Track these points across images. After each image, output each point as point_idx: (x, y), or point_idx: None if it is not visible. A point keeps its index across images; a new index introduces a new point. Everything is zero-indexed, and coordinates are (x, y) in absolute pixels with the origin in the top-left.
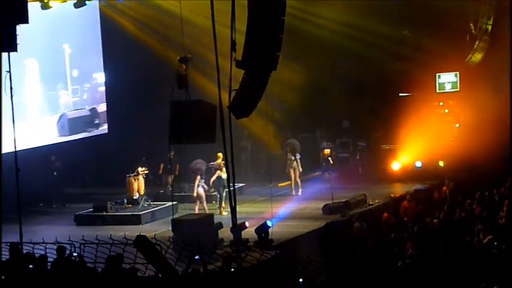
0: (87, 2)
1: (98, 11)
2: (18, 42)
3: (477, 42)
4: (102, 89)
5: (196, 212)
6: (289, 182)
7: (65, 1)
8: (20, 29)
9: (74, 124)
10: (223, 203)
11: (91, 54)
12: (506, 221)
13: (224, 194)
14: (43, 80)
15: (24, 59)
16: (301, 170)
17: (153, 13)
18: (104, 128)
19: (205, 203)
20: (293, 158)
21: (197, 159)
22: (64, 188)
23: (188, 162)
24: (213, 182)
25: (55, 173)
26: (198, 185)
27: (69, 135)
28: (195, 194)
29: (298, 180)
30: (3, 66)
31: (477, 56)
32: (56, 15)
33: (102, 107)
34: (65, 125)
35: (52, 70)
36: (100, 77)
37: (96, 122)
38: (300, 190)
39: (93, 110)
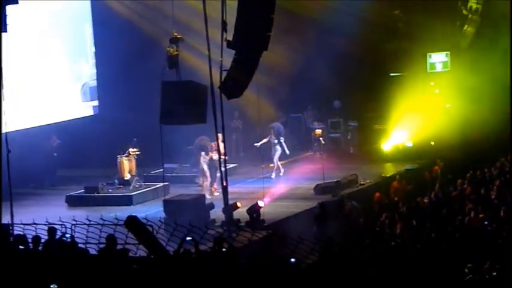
0: None
1: None
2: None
3: (467, 22)
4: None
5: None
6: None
7: None
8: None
9: (93, 91)
10: (215, 183)
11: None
12: (497, 199)
13: (218, 175)
14: (68, 54)
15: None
16: (288, 152)
17: None
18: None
19: (209, 179)
20: (276, 141)
21: (201, 136)
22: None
23: (179, 143)
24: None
25: (55, 154)
26: (203, 161)
27: (91, 100)
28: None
29: (279, 163)
30: None
31: (468, 36)
32: None
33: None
34: (87, 91)
35: (75, 47)
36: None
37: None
38: (282, 171)
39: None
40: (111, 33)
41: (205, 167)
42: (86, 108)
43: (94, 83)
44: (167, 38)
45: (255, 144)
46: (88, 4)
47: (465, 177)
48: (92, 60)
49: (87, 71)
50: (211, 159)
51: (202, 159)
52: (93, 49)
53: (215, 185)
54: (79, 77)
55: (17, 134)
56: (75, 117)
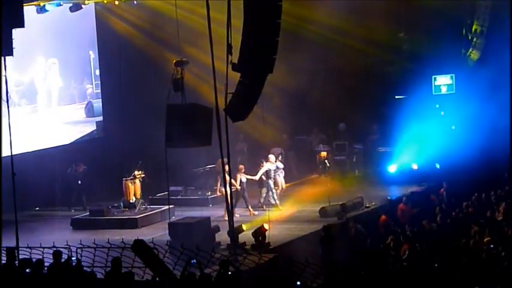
0: (83, 6)
1: (94, 14)
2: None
3: (472, 44)
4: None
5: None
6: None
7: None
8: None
9: (97, 109)
10: (249, 206)
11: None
12: (503, 220)
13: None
14: (73, 76)
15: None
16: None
17: (149, 16)
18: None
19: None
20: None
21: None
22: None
23: (185, 165)
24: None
25: (79, 182)
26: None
27: (94, 116)
28: (219, 193)
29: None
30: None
31: (473, 58)
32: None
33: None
34: (91, 109)
35: (80, 69)
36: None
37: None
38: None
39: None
40: (116, 55)
41: (222, 188)
42: (90, 125)
43: (98, 102)
44: (173, 61)
45: (255, 178)
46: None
47: (471, 199)
48: (95, 82)
49: (90, 92)
50: (240, 181)
51: (219, 183)
52: (98, 71)
53: (250, 208)
54: (83, 98)
55: (21, 156)
56: (77, 138)
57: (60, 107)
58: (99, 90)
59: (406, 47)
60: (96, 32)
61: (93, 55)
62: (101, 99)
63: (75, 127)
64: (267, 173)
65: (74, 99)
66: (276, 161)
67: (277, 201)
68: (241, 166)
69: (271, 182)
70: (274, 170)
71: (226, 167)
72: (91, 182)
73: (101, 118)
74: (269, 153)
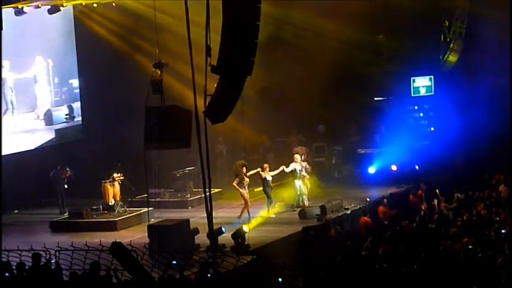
0: (61, 8)
1: (72, 17)
2: None
3: (451, 46)
4: (77, 91)
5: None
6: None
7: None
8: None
9: (56, 117)
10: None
11: (68, 60)
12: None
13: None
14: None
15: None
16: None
17: (128, 18)
18: (78, 120)
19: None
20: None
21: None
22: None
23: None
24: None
25: (65, 186)
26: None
27: (53, 124)
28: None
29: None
30: None
31: (451, 60)
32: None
33: (76, 105)
34: (50, 117)
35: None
36: (75, 82)
37: (72, 115)
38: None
39: (70, 107)
40: (94, 57)
41: (242, 191)
42: (48, 133)
43: (57, 110)
44: (151, 63)
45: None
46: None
47: (449, 200)
48: (54, 90)
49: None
50: (264, 179)
51: (235, 183)
52: (57, 79)
53: (270, 208)
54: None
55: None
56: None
57: (20, 115)
58: (58, 98)
59: (385, 48)
60: (74, 34)
61: (51, 63)
62: (65, 106)
63: (33, 136)
64: (293, 174)
65: (32, 107)
66: (301, 161)
67: (306, 202)
68: (266, 165)
69: (297, 182)
70: (300, 170)
71: (244, 169)
72: (69, 184)
73: (59, 126)
74: (294, 153)
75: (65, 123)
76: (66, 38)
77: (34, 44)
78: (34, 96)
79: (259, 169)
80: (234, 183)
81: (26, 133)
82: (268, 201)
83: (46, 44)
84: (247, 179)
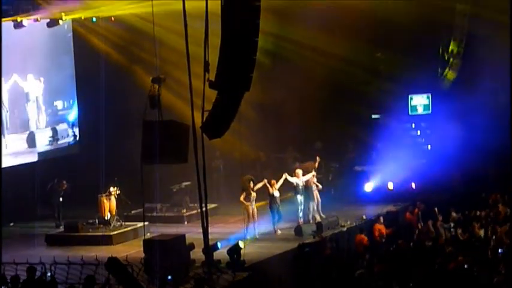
0: (60, 22)
1: (71, 31)
2: None
3: (449, 65)
4: (61, 112)
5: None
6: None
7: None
8: None
9: (39, 139)
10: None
11: (55, 80)
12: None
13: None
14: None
15: None
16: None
17: (126, 33)
18: (63, 142)
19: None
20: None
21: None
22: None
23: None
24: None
25: (61, 199)
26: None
27: (36, 147)
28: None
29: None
30: None
31: (449, 79)
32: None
33: (61, 126)
34: (33, 139)
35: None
36: (59, 104)
37: (56, 137)
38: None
39: (54, 129)
40: (92, 71)
41: (248, 206)
42: (31, 157)
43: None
44: (150, 78)
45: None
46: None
47: (446, 219)
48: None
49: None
50: (272, 195)
51: (242, 198)
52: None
53: (275, 226)
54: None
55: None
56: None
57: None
58: (46, 119)
59: (383, 66)
60: (73, 47)
61: (42, 82)
62: (48, 128)
63: (16, 159)
64: (296, 189)
65: (16, 129)
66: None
67: (319, 215)
68: (274, 181)
69: (299, 197)
70: (302, 186)
71: (252, 184)
72: (66, 197)
73: (42, 149)
74: (296, 168)
75: (49, 146)
76: (61, 54)
77: (26, 61)
78: (26, 116)
79: (265, 181)
80: (241, 198)
81: (10, 156)
82: (273, 218)
83: (37, 61)
84: (254, 194)
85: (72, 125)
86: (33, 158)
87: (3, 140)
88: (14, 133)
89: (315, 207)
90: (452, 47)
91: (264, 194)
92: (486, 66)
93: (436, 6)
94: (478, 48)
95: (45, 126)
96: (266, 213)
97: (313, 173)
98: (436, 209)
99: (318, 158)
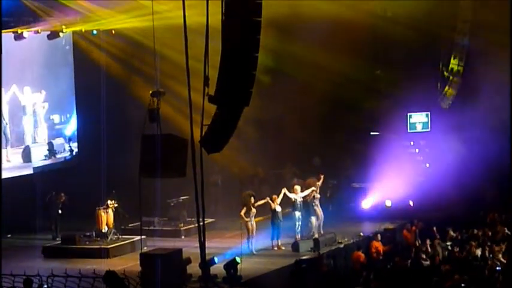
0: (61, 34)
1: (70, 44)
2: None
3: (448, 84)
4: (58, 126)
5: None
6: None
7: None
8: None
9: (34, 153)
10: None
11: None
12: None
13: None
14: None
15: None
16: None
17: (126, 46)
18: (60, 157)
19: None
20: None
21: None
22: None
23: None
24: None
25: (60, 211)
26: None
27: (31, 162)
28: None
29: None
30: None
31: (449, 97)
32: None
33: (57, 141)
34: (29, 154)
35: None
36: (56, 118)
37: (52, 152)
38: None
39: (50, 144)
40: (92, 83)
41: (247, 222)
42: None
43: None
44: (149, 91)
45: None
46: (68, 51)
47: (443, 237)
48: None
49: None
50: (274, 211)
51: (242, 213)
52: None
53: (279, 242)
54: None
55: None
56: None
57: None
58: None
59: (382, 83)
60: (73, 60)
61: (41, 95)
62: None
63: (11, 173)
64: (293, 205)
65: (11, 143)
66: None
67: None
68: (275, 196)
69: (297, 213)
70: (300, 202)
71: (252, 200)
72: (64, 209)
73: (37, 164)
74: (295, 184)
75: (44, 161)
76: (59, 66)
77: (24, 72)
78: (22, 130)
79: (267, 199)
80: (242, 213)
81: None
82: (273, 233)
83: (35, 74)
84: (254, 210)
85: (69, 140)
86: (29, 171)
87: (3, 152)
88: (10, 147)
89: (316, 223)
90: (452, 65)
91: (264, 209)
92: (486, 84)
93: (437, 23)
94: (478, 66)
95: (43, 140)
96: (263, 229)
97: (313, 188)
98: (434, 229)
99: (321, 175)
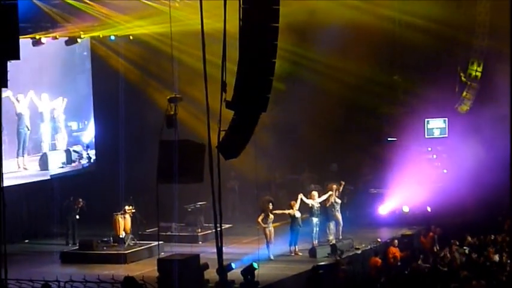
0: (79, 40)
1: (88, 50)
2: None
3: (466, 89)
4: (76, 133)
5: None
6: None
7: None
8: None
9: (52, 161)
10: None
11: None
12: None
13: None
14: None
15: None
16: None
17: (144, 52)
18: (77, 165)
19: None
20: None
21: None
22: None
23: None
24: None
25: (77, 217)
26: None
27: (48, 169)
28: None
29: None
30: None
31: (466, 103)
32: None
33: (75, 148)
34: (46, 161)
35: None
36: (73, 125)
37: (70, 160)
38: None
39: (68, 151)
40: (110, 89)
41: (265, 228)
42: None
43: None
44: (166, 97)
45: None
46: (86, 57)
47: (461, 243)
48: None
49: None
50: (293, 217)
51: (260, 219)
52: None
53: (296, 247)
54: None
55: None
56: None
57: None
58: (55, 141)
59: (400, 89)
60: (91, 66)
61: (61, 102)
62: (62, 150)
63: (27, 180)
64: (311, 211)
65: (28, 150)
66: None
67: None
68: (293, 202)
69: (314, 219)
70: (318, 207)
71: (270, 206)
72: (81, 215)
73: (55, 172)
74: (312, 190)
75: (62, 169)
76: (77, 73)
77: (42, 79)
78: (40, 137)
79: (286, 211)
80: (259, 219)
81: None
82: (292, 239)
83: (53, 80)
84: (271, 216)
85: (87, 147)
86: (46, 178)
87: (20, 160)
88: (27, 154)
89: (334, 229)
90: (470, 70)
91: (281, 214)
92: (504, 88)
93: (454, 28)
94: (496, 71)
95: (63, 147)
96: (281, 234)
97: (331, 192)
98: (452, 241)
99: (342, 182)
